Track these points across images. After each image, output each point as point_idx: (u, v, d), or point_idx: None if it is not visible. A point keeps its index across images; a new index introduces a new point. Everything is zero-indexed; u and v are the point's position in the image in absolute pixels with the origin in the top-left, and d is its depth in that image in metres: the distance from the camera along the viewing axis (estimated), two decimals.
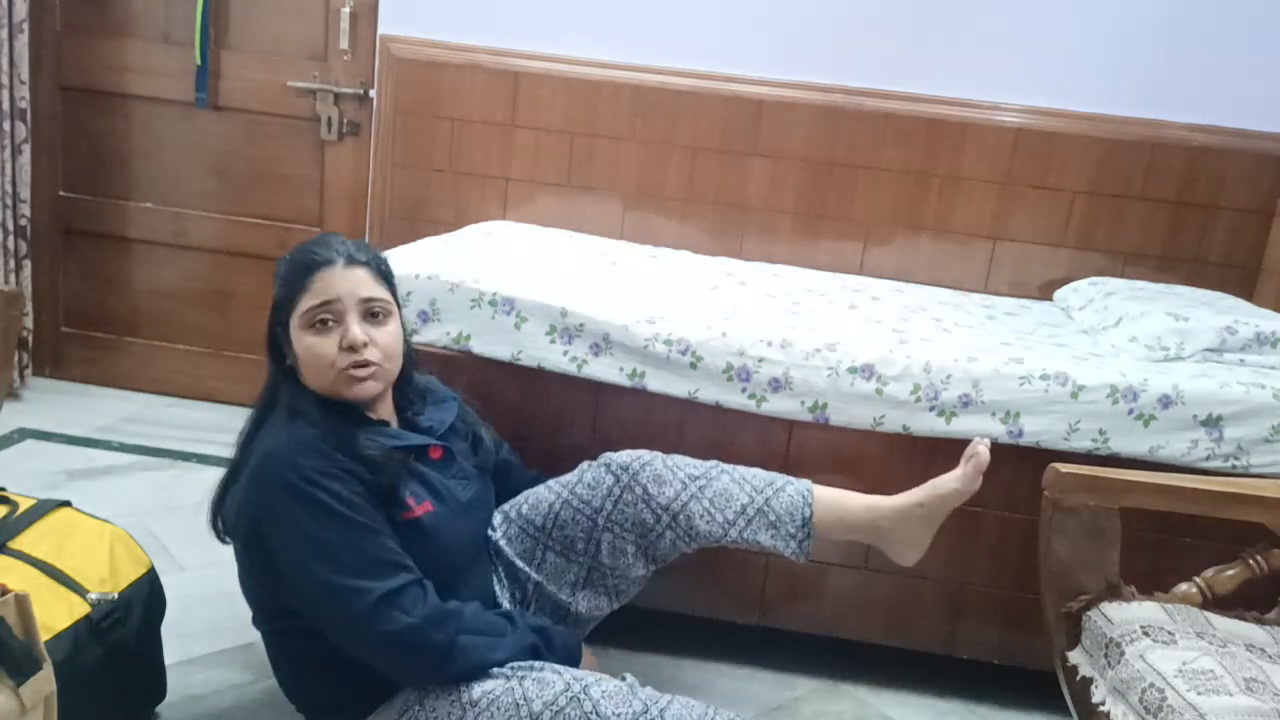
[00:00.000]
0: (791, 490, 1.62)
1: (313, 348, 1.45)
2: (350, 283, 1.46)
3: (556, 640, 1.51)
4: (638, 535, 1.60)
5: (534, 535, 1.64)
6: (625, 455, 1.63)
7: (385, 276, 1.52)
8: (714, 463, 1.65)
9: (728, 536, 1.58)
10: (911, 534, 1.63)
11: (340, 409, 1.47)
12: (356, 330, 1.44)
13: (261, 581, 1.47)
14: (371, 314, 1.48)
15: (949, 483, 1.60)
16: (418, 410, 1.60)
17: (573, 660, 1.52)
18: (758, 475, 1.64)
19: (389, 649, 1.36)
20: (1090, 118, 2.65)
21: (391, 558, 1.38)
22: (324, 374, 1.45)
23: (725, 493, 1.60)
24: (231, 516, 1.49)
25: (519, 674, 1.40)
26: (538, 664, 1.44)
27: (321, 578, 1.35)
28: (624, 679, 1.43)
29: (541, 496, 1.66)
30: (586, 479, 1.63)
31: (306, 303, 1.44)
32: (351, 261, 1.47)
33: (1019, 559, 1.90)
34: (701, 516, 1.58)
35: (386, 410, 1.55)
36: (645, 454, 1.63)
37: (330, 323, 1.45)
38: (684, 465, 1.62)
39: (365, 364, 1.45)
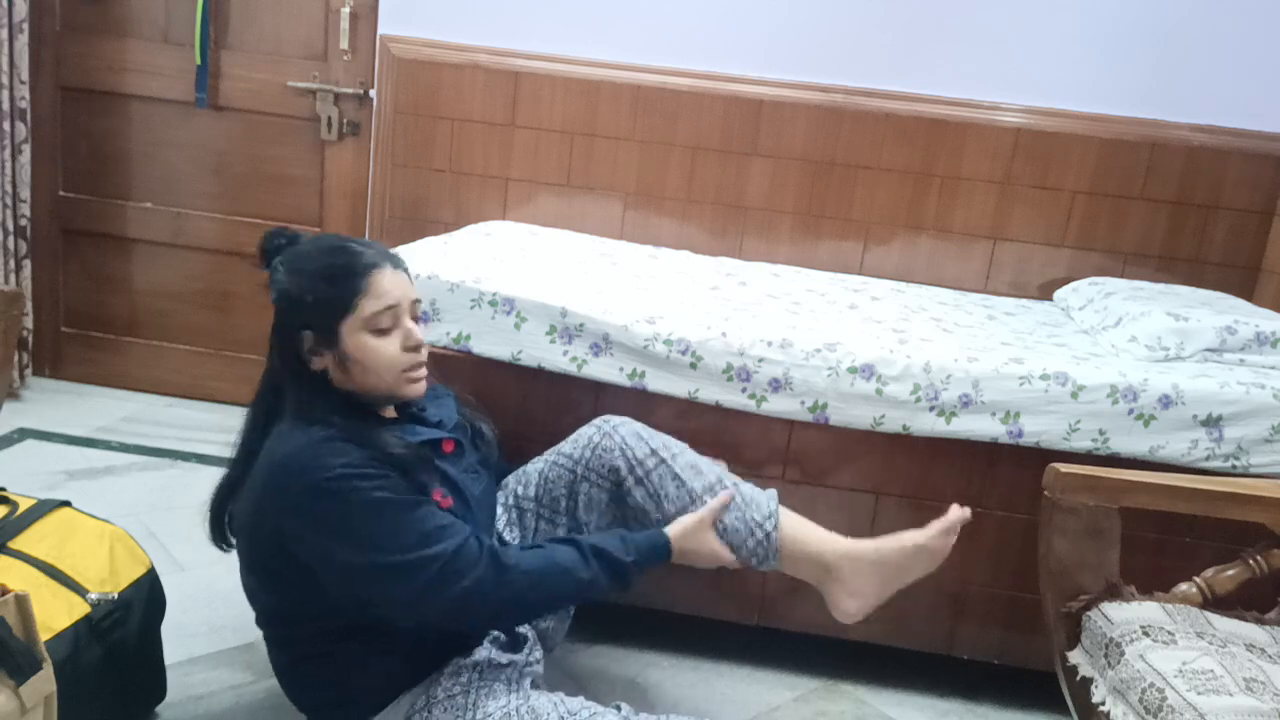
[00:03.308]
0: (755, 488, 1.65)
1: (377, 349, 1.45)
2: (403, 285, 1.49)
3: (633, 554, 1.47)
4: (612, 484, 1.64)
5: (529, 509, 1.68)
6: (610, 416, 1.70)
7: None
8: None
9: (694, 505, 1.59)
10: (859, 581, 1.56)
11: (358, 411, 1.47)
12: (419, 332, 1.49)
13: (272, 585, 1.47)
14: (416, 317, 1.52)
15: (913, 537, 1.54)
16: (420, 406, 1.60)
17: (662, 556, 1.51)
18: (723, 470, 1.68)
19: (458, 609, 1.38)
20: (1090, 118, 2.65)
21: (442, 520, 1.39)
22: (385, 375, 1.46)
23: (696, 465, 1.64)
24: (242, 523, 1.48)
25: (517, 701, 1.42)
26: (534, 692, 1.46)
27: (379, 563, 1.35)
28: (619, 709, 1.42)
29: (530, 470, 1.71)
30: (572, 436, 1.70)
31: (370, 305, 1.44)
32: (396, 265, 1.50)
33: (1019, 559, 1.90)
34: (673, 479, 1.61)
35: (390, 409, 1.56)
36: (628, 417, 1.69)
37: (390, 326, 1.46)
38: (662, 435, 1.68)
39: (423, 364, 1.50)
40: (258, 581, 1.49)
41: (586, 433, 1.68)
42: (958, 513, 1.54)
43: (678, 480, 1.61)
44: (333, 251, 1.47)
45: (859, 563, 1.55)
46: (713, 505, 1.57)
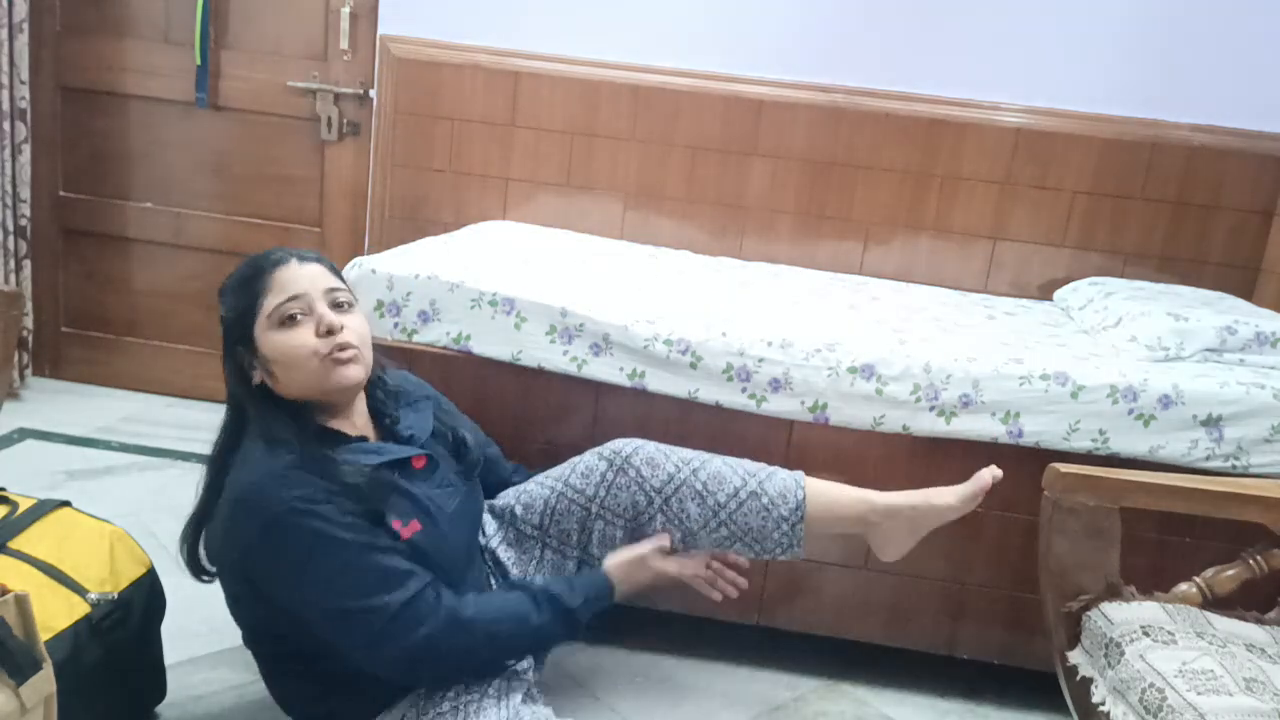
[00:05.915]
0: (784, 475, 1.63)
1: (288, 341, 1.41)
2: (310, 275, 1.45)
3: (580, 598, 1.49)
4: (628, 520, 1.60)
5: (532, 535, 1.63)
6: (618, 442, 1.64)
7: (338, 274, 1.51)
8: (705, 452, 1.65)
9: (718, 519, 1.58)
10: (896, 535, 1.64)
11: (318, 433, 1.43)
12: (332, 314, 1.43)
13: (252, 609, 1.47)
14: (336, 304, 1.46)
15: (946, 497, 1.61)
16: (394, 417, 1.56)
17: (606, 596, 1.52)
18: (750, 463, 1.65)
19: (410, 662, 1.36)
20: (1090, 118, 2.65)
21: (398, 566, 1.36)
22: (305, 366, 1.41)
23: (718, 475, 1.61)
24: (213, 552, 1.47)
25: (505, 715, 1.39)
26: (523, 708, 1.43)
27: (331, 606, 1.34)
28: None
29: (535, 494, 1.65)
30: (580, 468, 1.64)
31: (271, 302, 1.42)
32: (303, 259, 1.47)
33: (1019, 559, 1.90)
34: (694, 499, 1.58)
35: (362, 419, 1.52)
36: (638, 440, 1.64)
37: (299, 316, 1.42)
38: (677, 451, 1.64)
39: (346, 345, 1.43)
40: (234, 603, 1.49)
41: (598, 468, 1.62)
42: (989, 475, 1.61)
43: (698, 498, 1.58)
44: (245, 264, 1.48)
45: (896, 518, 1.63)
46: (652, 543, 1.58)
